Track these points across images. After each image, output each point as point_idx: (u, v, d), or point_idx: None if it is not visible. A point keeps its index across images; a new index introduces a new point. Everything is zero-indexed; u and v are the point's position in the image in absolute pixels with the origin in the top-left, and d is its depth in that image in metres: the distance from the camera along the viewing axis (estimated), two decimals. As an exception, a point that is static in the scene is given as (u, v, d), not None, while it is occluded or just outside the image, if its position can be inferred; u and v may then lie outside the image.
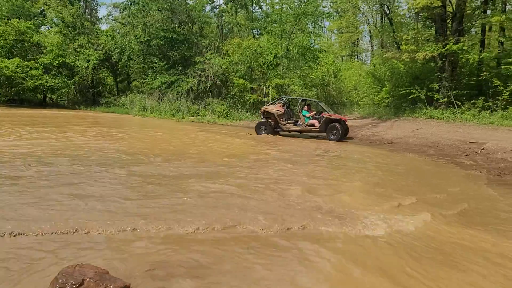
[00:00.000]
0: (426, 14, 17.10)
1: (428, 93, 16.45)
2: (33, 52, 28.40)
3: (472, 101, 15.46)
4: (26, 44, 27.82)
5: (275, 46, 21.13)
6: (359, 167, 8.32)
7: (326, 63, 22.87)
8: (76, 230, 3.67)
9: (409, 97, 16.90)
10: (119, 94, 28.87)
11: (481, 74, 16.06)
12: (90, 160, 7.23)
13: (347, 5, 26.04)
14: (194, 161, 7.76)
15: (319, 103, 14.37)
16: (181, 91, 22.55)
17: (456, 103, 15.50)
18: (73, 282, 2.47)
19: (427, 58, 16.17)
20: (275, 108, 13.90)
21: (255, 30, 27.29)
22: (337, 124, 12.85)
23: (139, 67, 27.72)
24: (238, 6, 25.26)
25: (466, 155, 10.03)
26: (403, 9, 22.01)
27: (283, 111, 13.80)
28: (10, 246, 3.27)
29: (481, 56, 16.47)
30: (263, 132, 13.91)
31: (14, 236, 3.48)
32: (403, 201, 5.25)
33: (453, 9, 16.34)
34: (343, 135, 13.04)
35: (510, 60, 14.90)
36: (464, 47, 15.56)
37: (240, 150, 9.92)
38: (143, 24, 23.75)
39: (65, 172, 6.04)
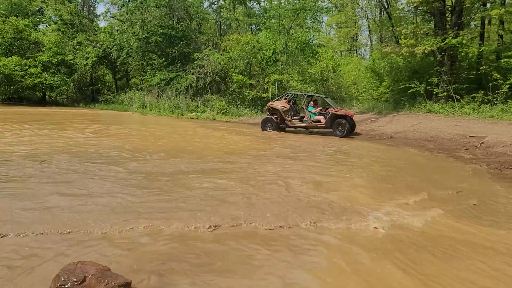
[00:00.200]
0: (425, 8, 17.04)
1: (428, 87, 16.43)
2: (32, 50, 28.35)
3: (471, 95, 15.44)
4: (24, 42, 27.76)
5: (273, 42, 21.07)
6: (362, 163, 8.33)
7: (325, 58, 22.82)
8: (77, 229, 3.68)
9: (409, 91, 16.88)
10: (118, 91, 28.85)
11: (481, 68, 16.03)
12: (91, 158, 7.23)
13: (345, 0, 25.97)
14: (194, 158, 7.76)
15: (325, 99, 14.11)
16: (180, 88, 22.52)
17: (455, 97, 15.49)
18: (75, 279, 2.48)
19: (426, 52, 16.13)
20: (280, 104, 13.80)
21: (254, 26, 27.22)
22: (343, 120, 12.66)
23: (138, 64, 27.67)
24: (237, 2, 25.17)
25: (466, 149, 10.03)
26: (402, 3, 21.94)
27: (288, 107, 13.71)
28: (12, 245, 3.28)
29: (480, 50, 16.44)
30: (269, 128, 13.81)
31: (16, 236, 3.48)
32: (411, 197, 5.21)
33: (452, 3, 16.29)
34: (350, 131, 12.82)
35: (510, 53, 14.88)
36: (464, 41, 15.52)
37: (241, 146, 9.92)
38: (141, 21, 23.67)
39: (65, 171, 6.04)
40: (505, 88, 14.65)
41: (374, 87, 20.71)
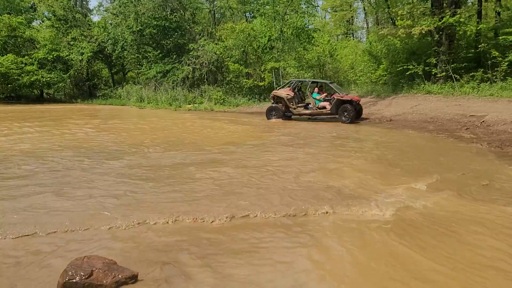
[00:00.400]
0: (421, -13, 16.86)
1: (426, 68, 16.33)
2: (27, 48, 28.17)
3: (470, 74, 15.35)
4: (19, 40, 27.57)
5: (268, 29, 20.88)
6: (366, 148, 8.33)
7: (322, 43, 22.64)
8: (83, 224, 3.69)
9: (407, 73, 16.78)
10: (115, 85, 28.73)
11: (479, 46, 15.90)
12: (92, 153, 7.23)
13: (340, -17, 25.66)
14: (193, 149, 7.76)
15: (330, 84, 13.72)
16: (177, 79, 22.42)
17: (454, 76, 15.40)
18: (82, 274, 2.50)
19: (424, 32, 15.99)
20: (284, 92, 13.63)
21: (248, 13, 26.97)
22: (348, 106, 12.43)
23: (134, 58, 27.50)
24: (230, -10, 24.91)
25: (466, 129, 10.02)
26: (397, -16, 21.66)
27: (293, 95, 13.51)
28: (20, 243, 3.29)
29: (478, 28, 16.28)
30: (274, 117, 13.71)
31: (25, 236, 3.49)
32: (420, 181, 5.15)
33: (448, -19, 16.09)
34: (356, 117, 12.58)
35: (508, 30, 14.74)
36: (461, 19, 15.36)
37: (240, 136, 9.91)
38: (134, 13, 23.45)
39: (69, 167, 6.04)
40: (504, 65, 14.56)
41: (372, 70, 20.58)
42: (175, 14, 23.95)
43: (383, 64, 19.24)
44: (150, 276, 2.73)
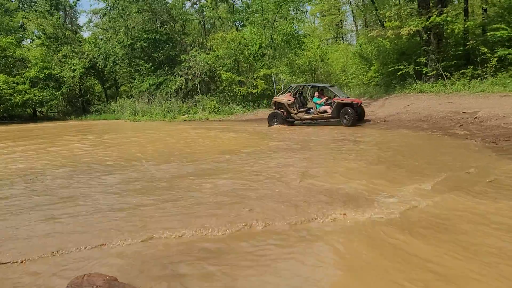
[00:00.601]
0: (407, -12, 17.04)
1: (416, 67, 16.45)
2: (18, 67, 28.10)
3: (461, 71, 15.47)
4: (9, 60, 27.50)
5: (259, 36, 20.99)
6: (366, 150, 8.35)
7: (312, 48, 22.78)
8: (83, 242, 3.67)
9: (398, 73, 16.89)
10: (109, 100, 28.69)
11: (468, 43, 16.06)
12: (89, 169, 7.20)
13: (327, -12, 25.91)
14: (190, 160, 7.75)
15: (330, 88, 13.56)
16: (170, 91, 22.44)
17: (445, 74, 15.53)
18: (83, 293, 2.48)
19: (412, 32, 16.13)
20: (285, 98, 13.58)
21: (238, 22, 27.11)
22: (349, 109, 12.28)
23: (126, 71, 27.50)
24: (218, 0, 25.06)
25: (460, 126, 10.09)
26: (383, -14, 21.89)
27: (293, 100, 13.44)
28: (19, 263, 3.26)
29: (465, 25, 16.45)
30: (275, 123, 13.63)
31: (27, 261, 3.46)
32: (425, 181, 5.14)
33: (433, -19, 16.29)
34: (357, 119, 12.41)
35: (495, 26, 14.90)
36: (448, 18, 15.52)
37: (236, 144, 9.91)
38: (124, 27, 23.51)
39: (66, 184, 6.01)
40: (493, 61, 14.69)
41: (363, 72, 20.71)
42: (165, 26, 24.04)
43: (374, 66, 19.36)
44: (152, 291, 2.71)
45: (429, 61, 16.22)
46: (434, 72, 15.97)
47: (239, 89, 20.64)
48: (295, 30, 22.12)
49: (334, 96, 13.02)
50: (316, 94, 13.55)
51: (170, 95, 22.38)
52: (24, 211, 4.66)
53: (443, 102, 13.34)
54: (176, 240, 3.64)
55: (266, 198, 4.76)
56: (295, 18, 22.69)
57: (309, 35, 26.29)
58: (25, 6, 34.23)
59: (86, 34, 33.99)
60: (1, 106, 25.68)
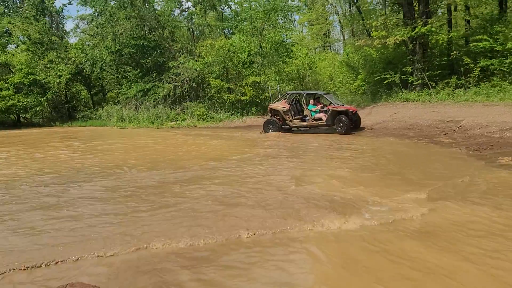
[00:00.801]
0: (392, -1, 17.37)
1: (402, 76, 16.72)
2: (2, 73, 27.61)
3: (445, 81, 15.80)
4: (-7, 65, 27.04)
5: (247, 44, 21.09)
6: (355, 157, 8.40)
7: (300, 56, 22.97)
8: (66, 253, 3.61)
9: (384, 82, 17.15)
10: (95, 106, 28.36)
11: (451, 54, 16.42)
12: (75, 176, 7.10)
13: (315, -3, 26.23)
14: (177, 167, 7.70)
15: (324, 95, 13.42)
16: (158, 97, 22.30)
17: (430, 84, 15.81)
18: (67, 302, 2.43)
19: (398, 42, 16.43)
20: (280, 105, 13.49)
21: (226, 30, 27.18)
22: (343, 117, 12.15)
23: (113, 78, 27.25)
24: (207, 8, 25.11)
25: (445, 134, 10.25)
26: (370, -4, 22.30)
27: (288, 107, 13.34)
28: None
29: (449, 36, 16.82)
30: (271, 130, 13.53)
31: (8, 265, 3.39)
32: (423, 189, 5.18)
33: (418, -8, 16.64)
34: (351, 127, 12.27)
35: (478, 37, 15.27)
36: (433, 29, 15.86)
37: (224, 151, 9.89)
38: (112, 34, 23.34)
39: (50, 192, 5.91)
40: (476, 71, 15.04)
41: (350, 81, 20.96)
42: (153, 33, 23.96)
43: (361, 75, 19.61)
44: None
45: (415, 70, 16.51)
46: (420, 81, 16.25)
47: (227, 96, 20.65)
48: (284, 38, 22.29)
49: (329, 104, 12.92)
50: (312, 101, 13.40)
51: (158, 101, 22.24)
52: (5, 219, 4.56)
53: (429, 111, 13.55)
54: (162, 249, 3.61)
55: (253, 205, 4.76)
56: (283, 27, 22.87)
57: (297, 43, 26.53)
58: (11, 11, 33.77)
59: (72, 40, 33.64)
60: (-16, 112, 25.23)
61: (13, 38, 31.12)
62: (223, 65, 20.94)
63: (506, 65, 14.27)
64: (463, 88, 15.18)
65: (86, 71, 26.19)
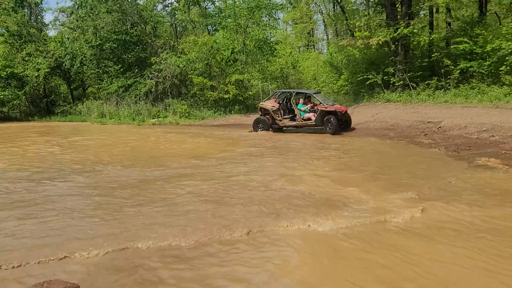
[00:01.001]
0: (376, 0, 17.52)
1: (384, 77, 16.90)
2: (-22, 65, 26.75)
3: (426, 82, 16.04)
4: (-32, 57, 26.16)
5: (231, 41, 20.96)
6: (336, 156, 8.43)
7: (284, 55, 22.97)
8: (45, 250, 3.48)
9: (367, 82, 17.30)
10: (75, 101, 27.77)
11: (432, 55, 16.69)
12: (53, 173, 6.90)
13: (299, -4, 26.27)
14: (157, 165, 7.58)
15: (314, 95, 13.26)
16: (139, 93, 21.95)
17: (411, 85, 16.03)
18: (39, 304, 2.34)
19: (381, 43, 16.59)
20: (270, 104, 13.31)
21: (210, 26, 26.98)
22: (331, 117, 12.01)
23: (94, 73, 26.71)
24: (191, 3, 24.83)
25: (425, 135, 10.39)
26: (353, -3, 22.45)
27: (278, 107, 13.16)
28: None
29: (431, 38, 17.08)
30: (260, 129, 13.34)
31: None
32: (414, 190, 5.19)
33: (401, -6, 16.82)
34: (340, 127, 12.13)
35: (458, 39, 15.54)
36: (415, 30, 16.07)
37: (207, 149, 9.80)
38: (93, 27, 22.84)
39: (26, 189, 5.72)
40: (456, 73, 15.30)
41: (333, 80, 21.08)
42: (135, 28, 23.56)
43: (344, 75, 19.74)
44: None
45: (397, 71, 16.71)
46: (401, 82, 16.46)
47: (210, 94, 20.49)
48: (268, 36, 22.26)
49: (319, 104, 12.80)
50: (301, 100, 13.28)
51: (140, 97, 21.90)
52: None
53: (409, 112, 13.73)
54: (142, 248, 3.53)
55: (234, 204, 4.70)
56: (267, 25, 22.83)
57: (281, 42, 26.52)
58: (-12, 1, 32.72)
59: (52, 33, 32.90)
60: (-42, 105, 24.43)
61: (-10, 30, 30.16)
62: (206, 62, 20.77)
63: (485, 67, 14.56)
64: (443, 89, 15.44)
65: (65, 65, 25.58)
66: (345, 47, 19.06)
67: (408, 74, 16.27)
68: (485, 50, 14.47)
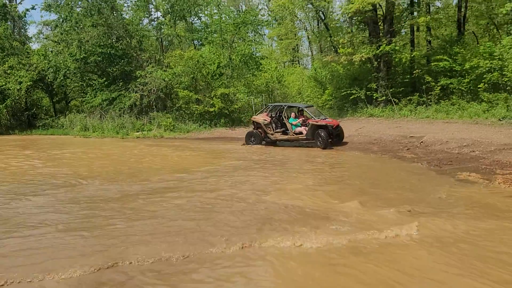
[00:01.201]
0: (359, 18, 17.94)
1: (367, 92, 17.22)
2: (-43, 77, 26.18)
3: (408, 98, 16.40)
4: None
5: (217, 56, 21.10)
6: (321, 170, 8.46)
7: (269, 69, 23.21)
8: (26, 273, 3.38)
9: (350, 97, 17.59)
10: (57, 115, 27.36)
11: (414, 72, 17.10)
12: (31, 187, 6.74)
13: (284, 13, 26.66)
14: (140, 179, 7.49)
15: (305, 109, 13.16)
16: (124, 107, 21.77)
17: (393, 100, 16.35)
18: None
19: (364, 59, 16.95)
20: (261, 118, 13.27)
21: (196, 41, 27.13)
22: (322, 131, 11.96)
23: (77, 86, 26.41)
24: (177, 18, 24.97)
25: (407, 149, 10.55)
26: (337, 14, 22.97)
27: (269, 120, 13.13)
28: None
29: (412, 55, 17.53)
30: (252, 143, 13.25)
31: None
32: (408, 205, 5.21)
33: (383, 12, 17.27)
34: (333, 141, 12.18)
35: (438, 57, 15.98)
36: (396, 47, 16.51)
37: (191, 163, 9.73)
38: (77, 41, 22.71)
39: (7, 203, 5.58)
40: (437, 89, 15.69)
41: (318, 95, 21.36)
42: (121, 41, 23.51)
43: (328, 89, 20.02)
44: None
45: (379, 87, 17.05)
46: (384, 97, 16.79)
47: (196, 107, 20.48)
48: (253, 51, 22.48)
49: (311, 117, 12.66)
50: (293, 114, 13.24)
51: (124, 111, 21.72)
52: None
53: (392, 126, 13.96)
54: (125, 264, 3.46)
55: (217, 219, 4.67)
56: (253, 40, 23.08)
57: (267, 57, 26.81)
58: (-30, 14, 32.28)
59: (35, 46, 32.53)
60: None
61: (-28, 42, 29.66)
62: (192, 76, 20.80)
63: (464, 84, 14.96)
64: (424, 105, 15.78)
65: (48, 78, 25.25)
66: (329, 63, 19.39)
67: (391, 90, 16.61)
68: (464, 68, 14.90)
